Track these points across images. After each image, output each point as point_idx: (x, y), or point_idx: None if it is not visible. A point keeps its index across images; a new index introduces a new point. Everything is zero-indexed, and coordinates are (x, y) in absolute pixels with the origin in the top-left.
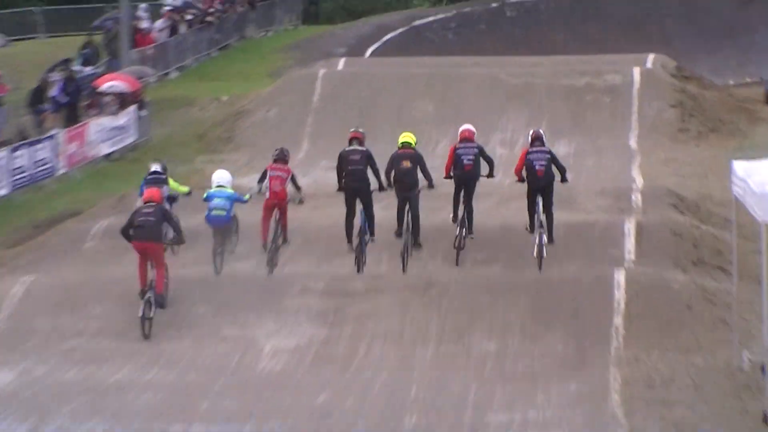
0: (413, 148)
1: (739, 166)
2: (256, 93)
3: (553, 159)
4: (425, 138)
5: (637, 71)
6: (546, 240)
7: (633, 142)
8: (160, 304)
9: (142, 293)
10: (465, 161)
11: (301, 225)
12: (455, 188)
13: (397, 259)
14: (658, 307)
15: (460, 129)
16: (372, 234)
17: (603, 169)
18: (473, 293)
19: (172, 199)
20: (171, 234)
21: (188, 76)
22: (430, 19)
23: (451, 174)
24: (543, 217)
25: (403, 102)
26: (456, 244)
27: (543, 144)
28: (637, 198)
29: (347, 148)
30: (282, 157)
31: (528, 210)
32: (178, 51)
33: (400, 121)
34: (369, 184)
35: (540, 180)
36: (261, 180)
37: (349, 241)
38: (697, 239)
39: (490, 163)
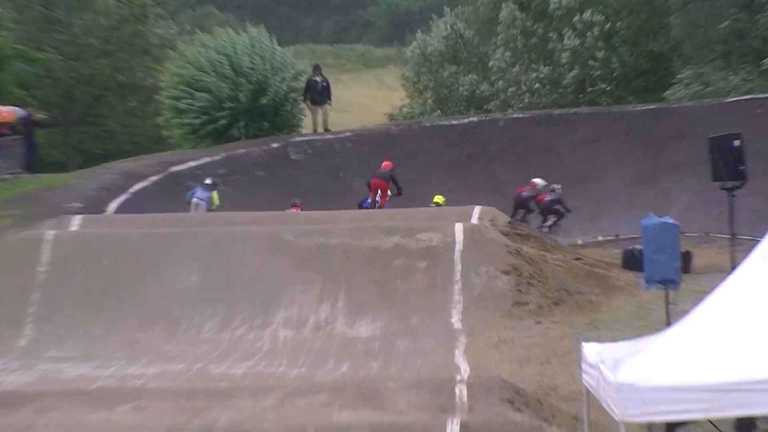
0: None
1: (591, 350)
2: None
3: None
4: (185, 323)
5: (459, 228)
6: None
7: (456, 320)
8: None
9: None
10: None
11: None
12: None
13: None
14: None
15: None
16: None
17: (418, 354)
18: None
19: None
20: None
21: None
22: (192, 164)
23: None
24: None
25: (159, 271)
26: None
27: None
28: (462, 392)
29: None
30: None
31: None
32: None
33: (153, 298)
34: None
35: None
36: None
37: None
38: None
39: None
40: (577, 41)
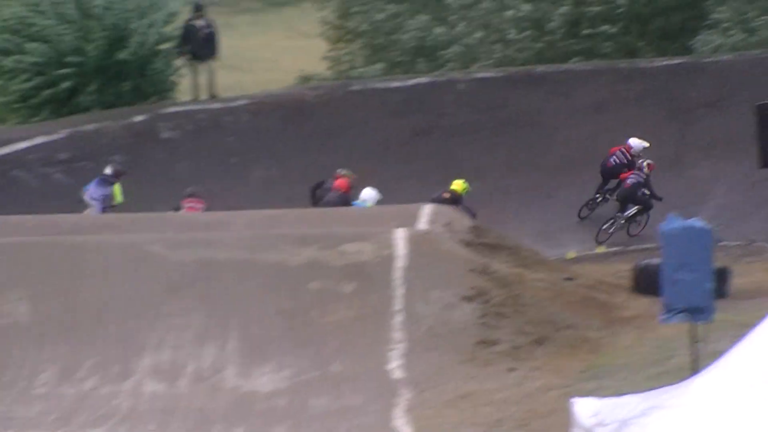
0: None
1: (587, 408)
2: None
3: None
4: (11, 372)
5: (401, 236)
6: None
7: (396, 367)
8: None
9: None
10: None
11: None
12: None
13: None
14: None
15: None
16: None
17: (343, 416)
18: None
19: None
20: None
21: None
22: (22, 146)
23: None
24: None
25: None
26: None
27: None
28: None
29: None
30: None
31: None
32: None
33: None
34: None
35: None
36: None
37: None
38: None
39: None
40: None
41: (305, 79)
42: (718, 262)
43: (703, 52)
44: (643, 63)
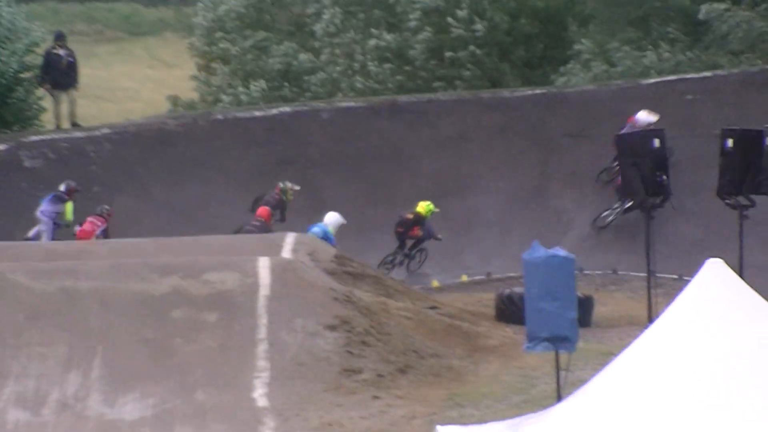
0: None
1: None
2: None
3: None
4: None
5: (265, 265)
6: None
7: (260, 395)
8: None
9: None
10: None
11: None
12: None
13: None
14: None
15: None
16: None
17: None
18: None
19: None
20: None
21: None
22: None
23: None
24: None
25: None
26: None
27: None
28: None
29: None
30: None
31: None
32: None
33: None
34: None
35: None
36: None
37: None
38: None
39: None
40: None
41: (175, 101)
42: (582, 290)
43: (566, 82)
44: (505, 93)
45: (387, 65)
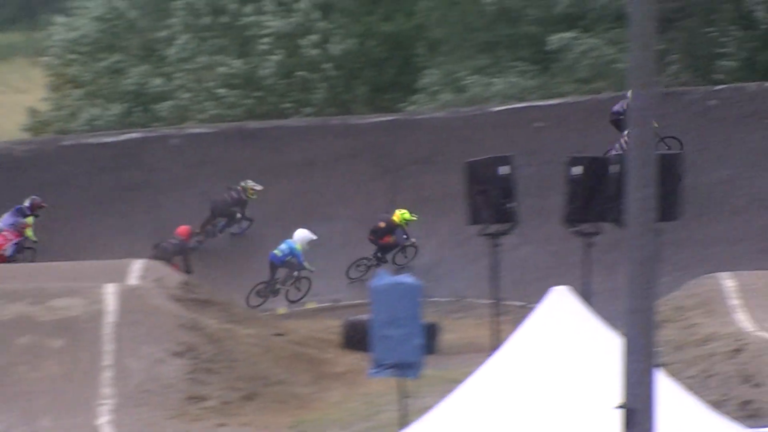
0: None
1: None
2: None
3: None
4: None
5: (111, 292)
6: None
7: (105, 422)
8: None
9: None
10: None
11: None
12: None
13: None
14: None
15: None
16: None
17: None
18: None
19: None
20: None
21: None
22: None
23: None
24: None
25: None
26: None
27: None
28: None
29: None
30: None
31: None
32: None
33: None
34: None
35: None
36: None
37: None
38: None
39: None
40: (282, 21)
41: (33, 114)
42: (428, 317)
43: (415, 108)
44: (354, 119)
45: (236, 90)
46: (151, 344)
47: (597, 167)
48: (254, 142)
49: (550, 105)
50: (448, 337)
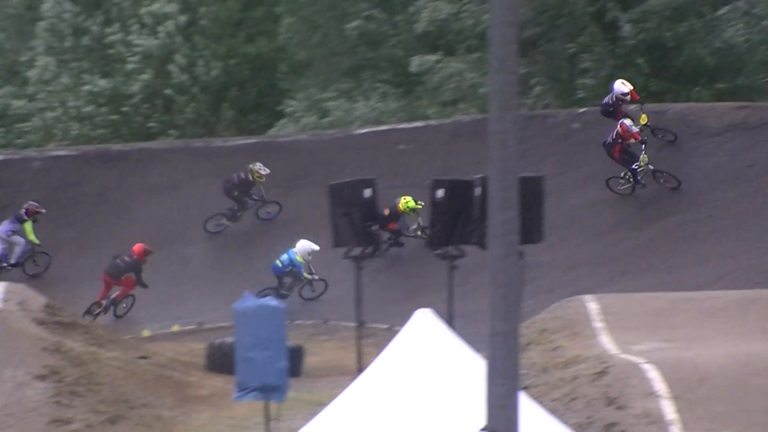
0: None
1: None
2: None
3: None
4: None
5: None
6: None
7: None
8: None
9: None
10: None
11: None
12: None
13: None
14: None
15: None
16: None
17: None
18: None
19: None
20: None
21: None
22: None
23: None
24: None
25: None
26: None
27: None
28: None
29: None
30: None
31: None
32: None
33: None
34: None
35: None
36: None
37: None
38: None
39: None
40: (149, 41)
41: None
42: (293, 340)
43: (279, 130)
44: (218, 142)
45: (102, 108)
46: (13, 367)
47: (460, 190)
48: (117, 164)
49: (414, 128)
50: (313, 359)
